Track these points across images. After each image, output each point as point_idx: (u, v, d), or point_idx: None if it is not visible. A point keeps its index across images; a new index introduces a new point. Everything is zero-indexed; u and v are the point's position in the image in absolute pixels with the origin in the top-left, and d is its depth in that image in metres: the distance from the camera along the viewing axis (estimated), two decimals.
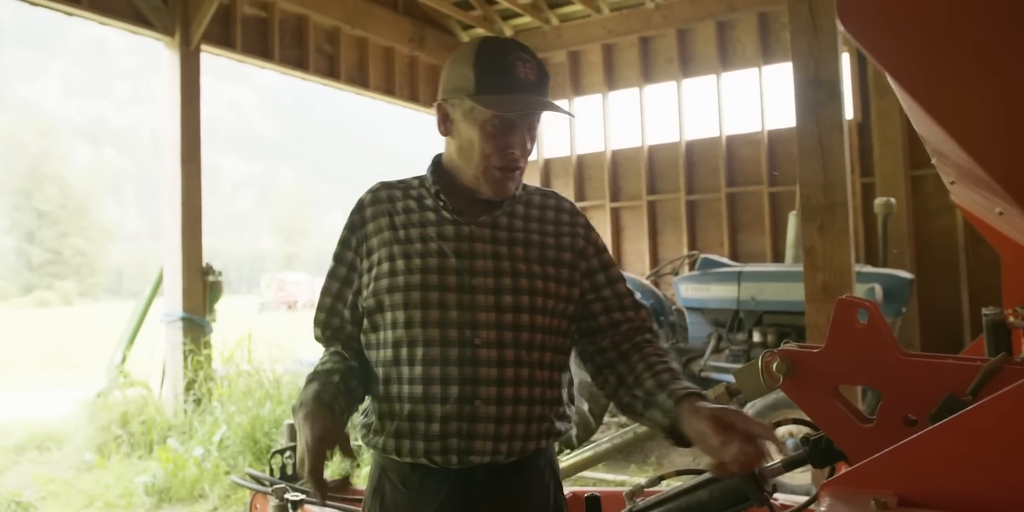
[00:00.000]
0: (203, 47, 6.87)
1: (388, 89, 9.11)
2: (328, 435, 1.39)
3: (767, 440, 1.40)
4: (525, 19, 9.65)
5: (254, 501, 2.62)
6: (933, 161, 1.53)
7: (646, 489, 2.04)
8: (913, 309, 7.07)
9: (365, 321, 1.61)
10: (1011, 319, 2.53)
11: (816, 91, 3.65)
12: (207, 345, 6.64)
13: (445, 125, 1.62)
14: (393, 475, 1.58)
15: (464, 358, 1.51)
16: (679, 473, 2.01)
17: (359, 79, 8.71)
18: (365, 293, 1.59)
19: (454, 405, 1.50)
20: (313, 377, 1.59)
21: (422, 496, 1.54)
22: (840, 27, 0.52)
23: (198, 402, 6.25)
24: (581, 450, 2.17)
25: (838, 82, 3.65)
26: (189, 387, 6.35)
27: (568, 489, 2.52)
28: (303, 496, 2.29)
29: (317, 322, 1.68)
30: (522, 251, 1.61)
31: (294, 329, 7.78)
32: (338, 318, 1.66)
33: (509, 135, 1.55)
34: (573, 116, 1.80)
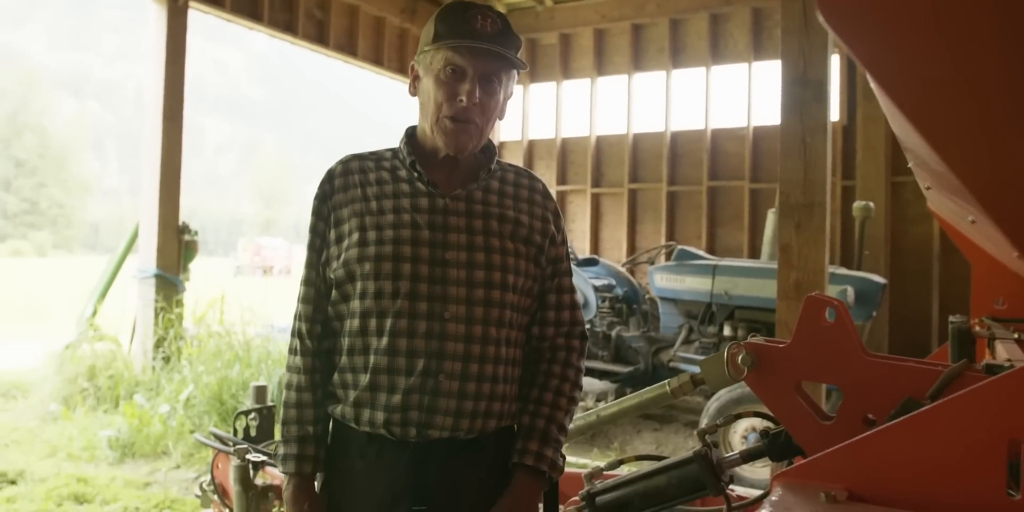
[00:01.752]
0: (191, 4, 6.76)
1: (376, 59, 9.02)
2: None
3: None
4: None
5: (216, 460, 2.63)
6: (910, 165, 1.54)
7: (605, 472, 2.07)
8: (884, 314, 7.17)
9: (334, 292, 1.59)
10: (976, 328, 2.57)
11: (803, 89, 3.66)
12: (179, 304, 6.60)
13: (414, 86, 1.64)
14: (351, 446, 1.58)
15: (432, 332, 1.51)
16: (639, 458, 2.03)
17: (348, 47, 8.61)
18: (335, 264, 1.58)
19: (418, 378, 1.50)
20: (289, 416, 1.61)
21: (378, 467, 1.55)
22: (821, 20, 0.52)
23: (167, 360, 6.22)
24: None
25: (825, 82, 3.65)
26: (158, 344, 6.32)
27: None
28: (264, 458, 2.30)
29: (303, 316, 1.63)
30: (496, 226, 1.60)
31: (268, 293, 7.73)
32: (320, 313, 1.63)
33: (459, 83, 1.53)
34: (525, 66, 1.76)
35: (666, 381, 1.99)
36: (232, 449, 2.37)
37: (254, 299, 7.15)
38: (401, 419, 1.51)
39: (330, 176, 1.64)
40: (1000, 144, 0.49)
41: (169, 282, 6.58)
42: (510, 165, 1.76)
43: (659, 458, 1.95)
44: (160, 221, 6.55)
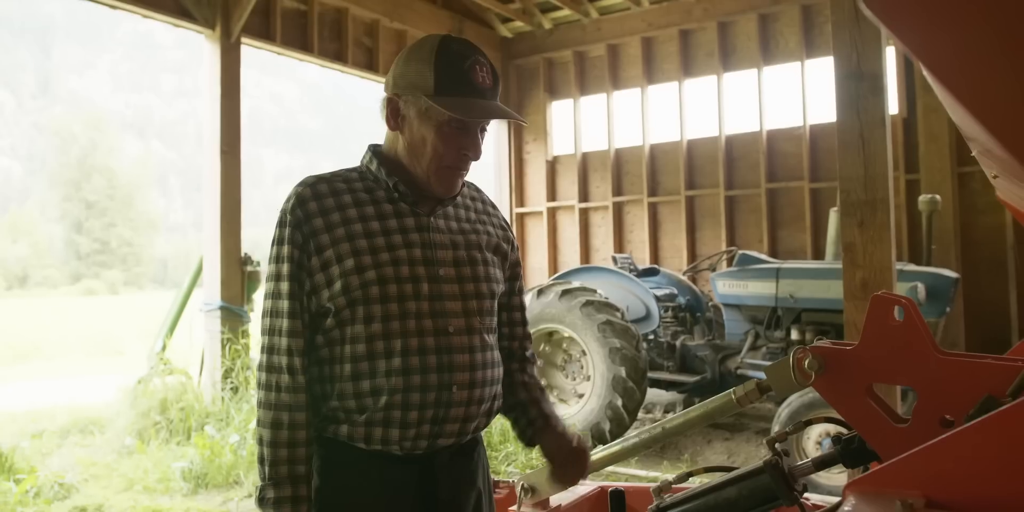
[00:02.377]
0: (243, 40, 6.96)
1: None
2: None
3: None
4: (564, 12, 9.59)
5: None
6: (974, 154, 1.48)
7: (674, 485, 2.02)
8: (958, 309, 6.91)
9: (329, 320, 1.55)
10: None
11: (858, 84, 3.56)
12: (245, 334, 6.73)
13: (395, 120, 1.62)
14: (351, 466, 1.57)
15: (441, 347, 1.55)
16: (708, 470, 1.99)
17: None
18: (327, 293, 1.53)
19: (433, 393, 1.54)
20: (278, 456, 1.52)
21: (385, 484, 1.57)
22: (867, 13, 0.50)
23: (235, 390, 6.34)
24: (610, 444, 2.16)
25: (881, 75, 3.55)
26: (227, 375, 6.45)
27: (596, 484, 2.51)
28: None
29: (293, 351, 1.54)
30: (474, 238, 1.68)
31: None
32: (303, 346, 1.56)
33: (463, 137, 1.58)
34: (525, 122, 1.87)
35: (732, 390, 1.94)
36: None
37: None
38: (415, 434, 1.54)
39: (301, 201, 1.57)
40: None
41: (234, 313, 6.72)
42: None
43: (729, 469, 1.90)
44: (223, 254, 6.71)
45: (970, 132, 0.92)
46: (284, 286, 1.56)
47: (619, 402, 5.88)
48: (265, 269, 7.12)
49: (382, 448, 1.55)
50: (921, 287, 5.19)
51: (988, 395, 1.56)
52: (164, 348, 7.02)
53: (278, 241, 1.57)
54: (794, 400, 4.97)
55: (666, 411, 7.45)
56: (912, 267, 5.71)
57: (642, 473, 5.13)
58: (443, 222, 1.66)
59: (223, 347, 6.53)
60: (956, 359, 1.66)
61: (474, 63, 1.55)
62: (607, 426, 5.91)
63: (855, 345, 1.74)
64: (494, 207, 1.84)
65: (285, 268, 1.56)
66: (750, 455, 5.93)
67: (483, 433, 1.78)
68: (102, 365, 12.08)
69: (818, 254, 8.10)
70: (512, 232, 1.85)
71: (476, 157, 1.62)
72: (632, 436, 2.10)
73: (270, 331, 1.57)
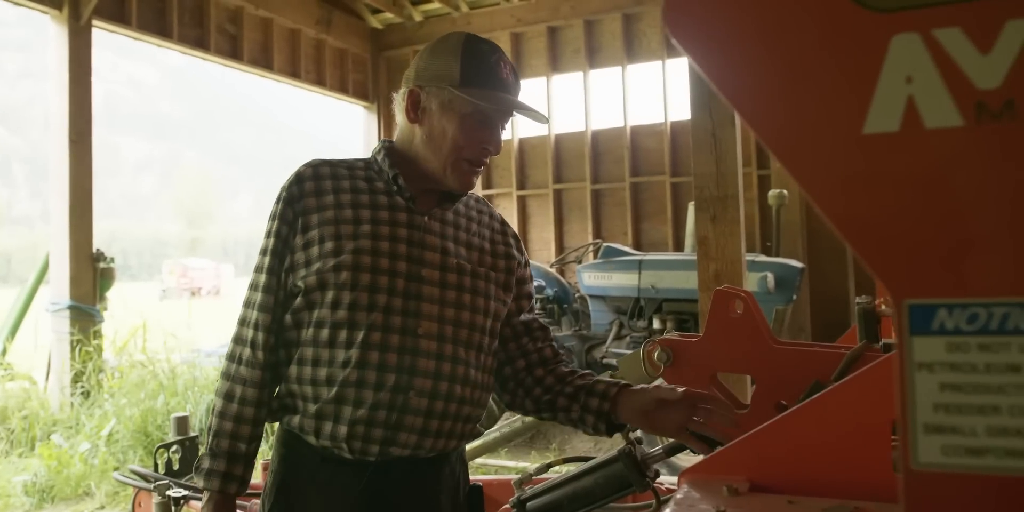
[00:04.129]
0: (95, 22, 6.55)
1: (293, 72, 8.89)
2: None
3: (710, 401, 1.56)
4: (435, 5, 9.55)
5: (138, 498, 2.54)
6: None
7: (534, 477, 2.08)
8: (804, 296, 7.38)
9: (298, 299, 1.53)
10: (882, 307, 2.68)
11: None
12: (97, 335, 6.36)
13: (415, 112, 1.60)
14: (302, 465, 1.54)
15: (405, 346, 1.49)
16: (566, 461, 2.05)
17: (263, 61, 8.46)
18: (303, 271, 1.52)
19: (387, 393, 1.47)
20: (223, 428, 1.51)
21: (332, 492, 1.51)
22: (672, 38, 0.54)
23: (86, 395, 5.99)
24: (501, 425, 2.20)
25: None
26: (77, 379, 6.07)
27: None
28: (187, 492, 2.23)
29: (260, 325, 1.54)
30: (465, 251, 1.63)
31: (193, 317, 7.53)
32: (275, 323, 1.55)
33: (485, 130, 1.57)
34: (546, 120, 1.83)
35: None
36: (152, 486, 2.30)
37: (179, 324, 6.96)
38: (364, 434, 1.47)
39: (299, 178, 1.58)
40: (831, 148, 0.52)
41: (85, 313, 6.32)
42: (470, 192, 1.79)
43: (586, 459, 1.96)
44: (72, 249, 6.30)
45: None
46: (266, 261, 1.56)
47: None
48: (126, 266, 6.78)
49: (331, 445, 1.49)
50: (771, 277, 5.52)
51: (816, 380, 1.69)
52: (4, 351, 6.54)
53: (271, 216, 1.58)
54: None
55: None
56: (763, 258, 6.05)
57: (511, 464, 5.22)
58: (438, 225, 1.61)
59: (72, 349, 6.14)
60: (789, 348, 1.79)
61: (499, 58, 1.56)
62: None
63: (700, 337, 1.84)
64: (503, 223, 1.78)
65: (271, 243, 1.56)
66: (615, 442, 6.12)
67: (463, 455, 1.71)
68: None
69: (679, 246, 8.45)
70: (522, 250, 1.79)
71: (496, 151, 1.60)
72: (493, 430, 2.14)
73: (246, 303, 1.57)
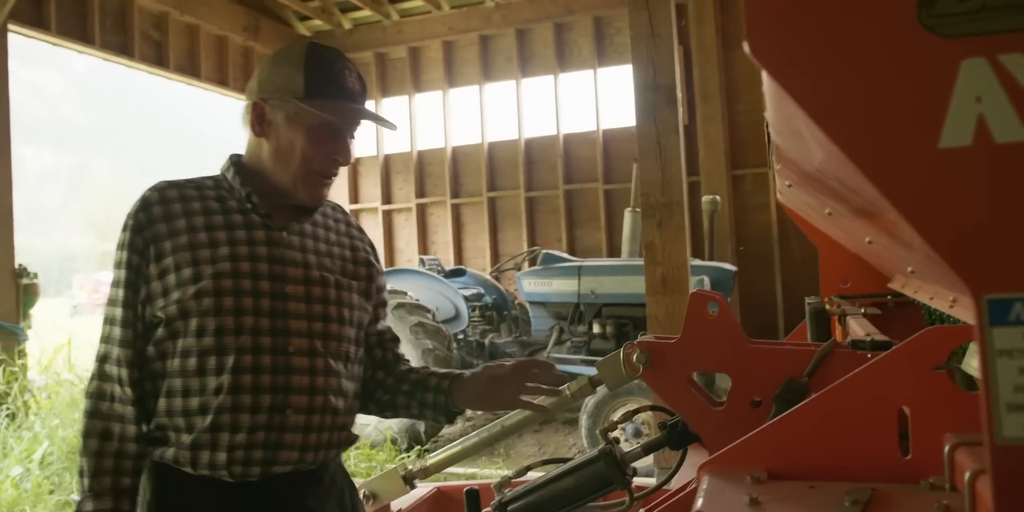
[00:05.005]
0: (11, 27, 6.30)
1: (221, 80, 8.73)
2: None
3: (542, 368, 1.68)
4: (365, 13, 9.52)
5: None
6: (777, 167, 1.68)
7: (514, 480, 2.11)
8: (735, 298, 7.62)
9: (160, 330, 1.47)
10: (828, 306, 2.81)
11: (655, 95, 3.86)
12: (22, 354, 6.09)
13: (260, 126, 1.56)
14: (181, 492, 1.48)
15: (277, 366, 1.47)
16: (545, 462, 2.09)
17: (189, 68, 8.29)
18: (161, 302, 1.47)
19: (264, 415, 1.45)
20: (101, 466, 1.45)
21: (215, 511, 1.48)
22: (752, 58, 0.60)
23: (12, 417, 5.72)
24: (450, 445, 2.22)
25: (675, 87, 3.88)
26: (1, 401, 5.80)
27: (432, 485, 2.56)
28: None
29: (113, 360, 1.48)
30: (328, 262, 1.61)
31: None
32: (136, 356, 1.49)
33: (334, 141, 1.55)
34: (395, 128, 1.79)
35: (565, 385, 2.06)
36: None
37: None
38: (244, 458, 1.44)
39: (145, 204, 1.51)
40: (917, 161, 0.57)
41: (9, 332, 6.06)
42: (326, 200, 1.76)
43: (564, 460, 2.01)
44: None
45: (821, 166, 1.06)
46: (120, 293, 1.49)
47: None
48: (42, 282, 6.51)
49: (210, 473, 1.45)
50: (707, 280, 5.70)
51: (790, 377, 1.78)
52: None
53: (119, 246, 1.51)
54: (599, 390, 5.27)
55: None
56: (698, 262, 6.23)
57: (460, 471, 5.23)
58: (298, 239, 1.58)
59: None
60: (762, 347, 1.87)
61: (344, 67, 1.55)
62: (422, 427, 5.96)
63: (677, 338, 1.91)
64: (360, 231, 1.78)
65: (122, 275, 1.49)
66: (559, 445, 6.21)
67: (343, 460, 1.70)
68: None
69: (613, 251, 8.62)
70: (377, 257, 1.79)
71: (346, 162, 1.59)
72: (472, 435, 2.16)
73: (106, 339, 1.50)
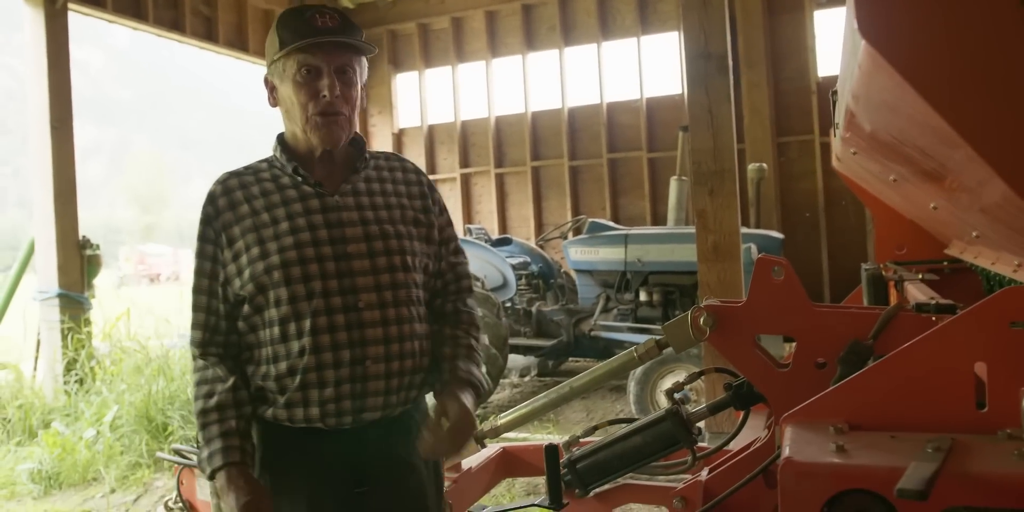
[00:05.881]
0: (70, 6, 6.45)
1: None
2: (252, 504, 1.51)
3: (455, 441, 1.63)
4: None
5: (180, 476, 2.62)
6: (845, 135, 1.72)
7: (581, 439, 2.21)
8: None
9: (245, 307, 1.62)
10: (884, 273, 2.84)
11: (706, 63, 3.87)
12: (87, 323, 6.34)
13: (273, 97, 1.70)
14: (286, 441, 1.64)
15: (351, 322, 1.59)
16: (612, 423, 2.18)
17: (238, 43, 8.39)
18: (238, 281, 1.61)
19: (346, 369, 1.58)
20: (208, 419, 1.59)
21: (317, 458, 1.63)
22: (863, 41, 0.65)
23: (81, 382, 5.98)
24: (519, 406, 2.31)
25: (726, 55, 3.88)
26: (70, 367, 6.06)
27: (498, 445, 2.66)
28: (207, 467, 2.31)
29: (196, 342, 1.66)
30: (386, 214, 1.71)
31: (169, 303, 7.47)
32: (219, 335, 1.65)
33: (318, 80, 1.60)
34: (374, 49, 1.77)
35: (632, 348, 2.14)
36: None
37: (164, 309, 6.93)
38: (336, 410, 1.58)
39: (211, 198, 1.67)
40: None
41: (74, 301, 6.30)
42: (380, 153, 1.85)
43: (629, 421, 2.10)
44: (59, 237, 6.26)
45: (909, 134, 1.12)
46: (202, 282, 1.66)
47: (483, 369, 6.08)
48: (104, 253, 6.73)
49: (306, 425, 1.61)
50: (754, 248, 5.71)
51: (855, 339, 1.83)
52: None
53: (197, 237, 1.67)
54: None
55: (522, 375, 7.76)
56: (744, 230, 6.23)
57: (513, 435, 5.35)
58: (352, 199, 1.68)
59: (64, 337, 6.12)
60: (828, 310, 1.92)
61: (314, 13, 1.59)
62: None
63: (743, 302, 1.97)
64: (417, 173, 1.83)
65: (201, 264, 1.66)
66: (607, 411, 6.31)
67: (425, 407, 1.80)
68: None
69: (657, 220, 8.62)
70: (437, 195, 1.84)
71: (336, 97, 1.60)
72: (540, 397, 2.26)
73: (194, 324, 1.67)
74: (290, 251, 1.58)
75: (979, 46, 0.65)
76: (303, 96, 1.60)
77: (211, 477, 1.57)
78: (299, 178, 1.66)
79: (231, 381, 1.62)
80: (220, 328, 1.65)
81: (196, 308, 1.66)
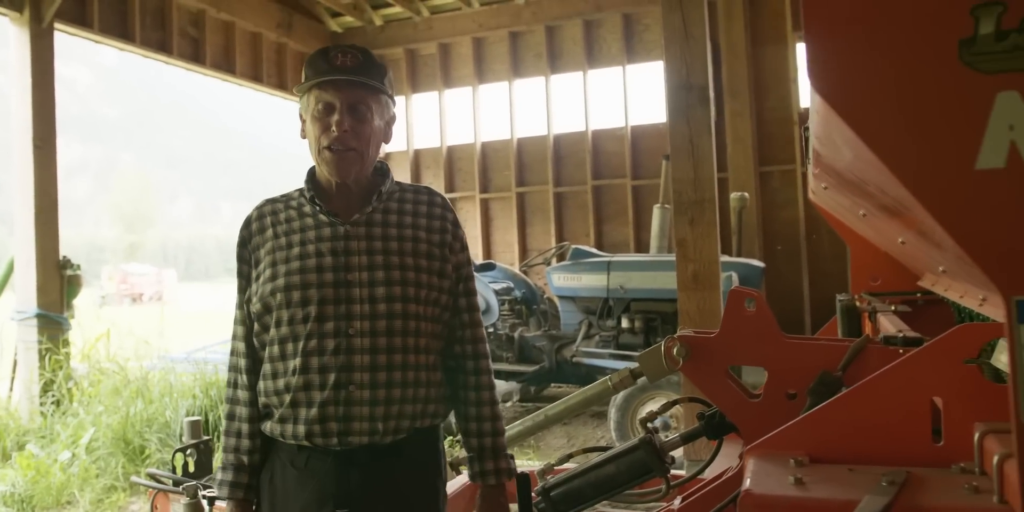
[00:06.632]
0: (56, 25, 6.46)
1: (255, 76, 8.87)
2: None
3: None
4: (395, 9, 9.62)
5: (155, 501, 2.61)
6: (815, 171, 1.76)
7: (556, 467, 2.22)
8: (762, 294, 7.65)
9: (256, 325, 1.75)
10: (858, 303, 2.88)
11: (688, 94, 3.93)
12: (66, 343, 6.28)
13: (303, 130, 1.79)
14: (282, 455, 1.73)
15: (339, 348, 1.66)
16: (586, 451, 2.20)
17: (225, 65, 8.44)
18: (254, 299, 1.73)
19: (331, 391, 1.65)
20: (227, 444, 1.77)
21: (307, 474, 1.70)
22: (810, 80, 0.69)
23: (57, 403, 5.91)
24: (514, 424, 2.31)
25: (707, 86, 3.94)
26: (47, 388, 5.99)
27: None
28: (216, 493, 2.31)
29: (238, 352, 1.79)
30: (396, 245, 1.75)
31: (150, 324, 7.43)
32: (252, 349, 1.78)
33: (330, 116, 1.69)
34: (390, 91, 1.77)
35: (607, 377, 2.16)
36: (180, 488, 2.37)
37: (146, 330, 6.89)
38: (321, 430, 1.65)
39: (247, 222, 1.82)
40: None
41: (53, 321, 6.26)
42: (410, 185, 1.90)
43: (604, 449, 2.11)
44: (39, 257, 6.21)
45: (851, 172, 1.15)
46: (239, 298, 1.80)
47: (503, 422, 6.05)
48: (87, 272, 6.68)
49: (295, 443, 1.69)
50: (735, 276, 5.74)
51: (824, 370, 1.86)
52: None
53: (236, 258, 1.81)
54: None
55: (504, 400, 7.73)
56: (726, 258, 6.27)
57: None
58: (364, 229, 1.73)
59: (41, 358, 6.06)
60: (798, 341, 1.95)
61: (337, 52, 1.70)
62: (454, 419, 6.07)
63: (715, 333, 2.00)
64: (444, 208, 1.85)
65: (240, 283, 1.80)
66: (588, 437, 6.31)
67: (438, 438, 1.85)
68: None
69: (640, 247, 8.67)
70: (460, 232, 1.86)
71: (345, 132, 1.67)
72: (516, 424, 2.27)
73: (232, 336, 1.82)
74: (294, 275, 1.68)
75: (919, 96, 0.68)
76: (316, 129, 1.71)
77: (220, 498, 1.78)
78: (317, 207, 1.75)
79: (249, 410, 1.76)
80: (251, 342, 1.78)
81: (236, 322, 1.80)
